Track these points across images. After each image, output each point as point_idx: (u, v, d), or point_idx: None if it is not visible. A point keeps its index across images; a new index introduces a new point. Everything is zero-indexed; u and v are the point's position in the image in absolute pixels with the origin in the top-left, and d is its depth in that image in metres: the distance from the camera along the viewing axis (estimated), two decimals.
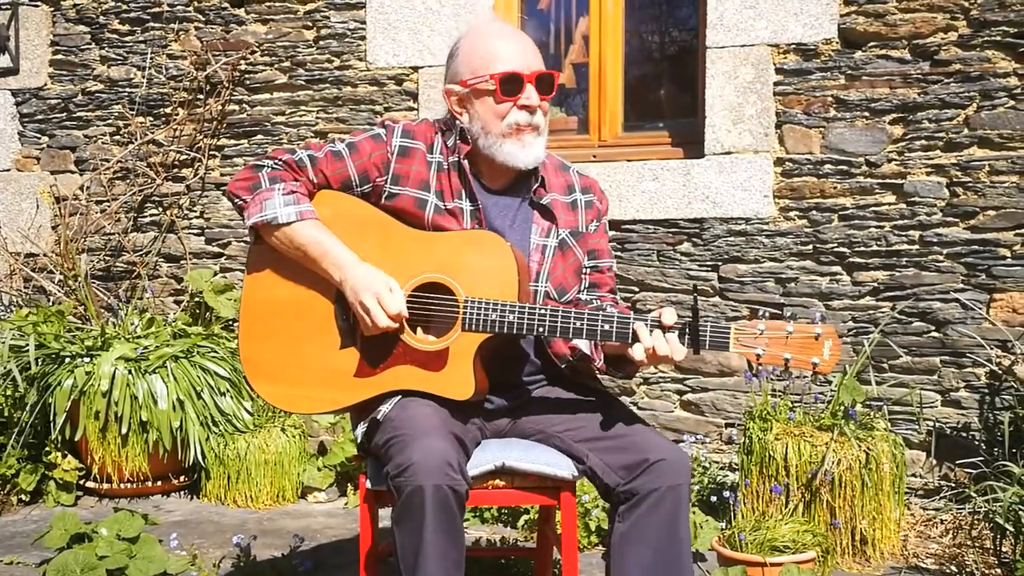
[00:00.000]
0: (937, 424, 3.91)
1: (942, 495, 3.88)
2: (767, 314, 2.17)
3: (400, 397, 2.24)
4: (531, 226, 2.41)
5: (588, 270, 2.49)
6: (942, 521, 3.77)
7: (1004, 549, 3.34)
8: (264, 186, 2.31)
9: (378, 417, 2.22)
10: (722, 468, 4.12)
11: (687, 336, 2.13)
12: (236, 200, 2.36)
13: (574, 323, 2.18)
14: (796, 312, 4.02)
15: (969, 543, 3.56)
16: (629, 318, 2.16)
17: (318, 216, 2.31)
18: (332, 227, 2.31)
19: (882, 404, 3.80)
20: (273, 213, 2.28)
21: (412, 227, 2.34)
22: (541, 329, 2.19)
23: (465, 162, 2.37)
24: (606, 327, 2.17)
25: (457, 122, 2.40)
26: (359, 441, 2.34)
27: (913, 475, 3.92)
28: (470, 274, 2.23)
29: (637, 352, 2.13)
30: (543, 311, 2.19)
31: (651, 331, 2.13)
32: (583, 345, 2.34)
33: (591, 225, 2.50)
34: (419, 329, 2.27)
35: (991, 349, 3.82)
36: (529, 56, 2.36)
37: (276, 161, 2.35)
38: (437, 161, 2.39)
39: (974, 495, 3.58)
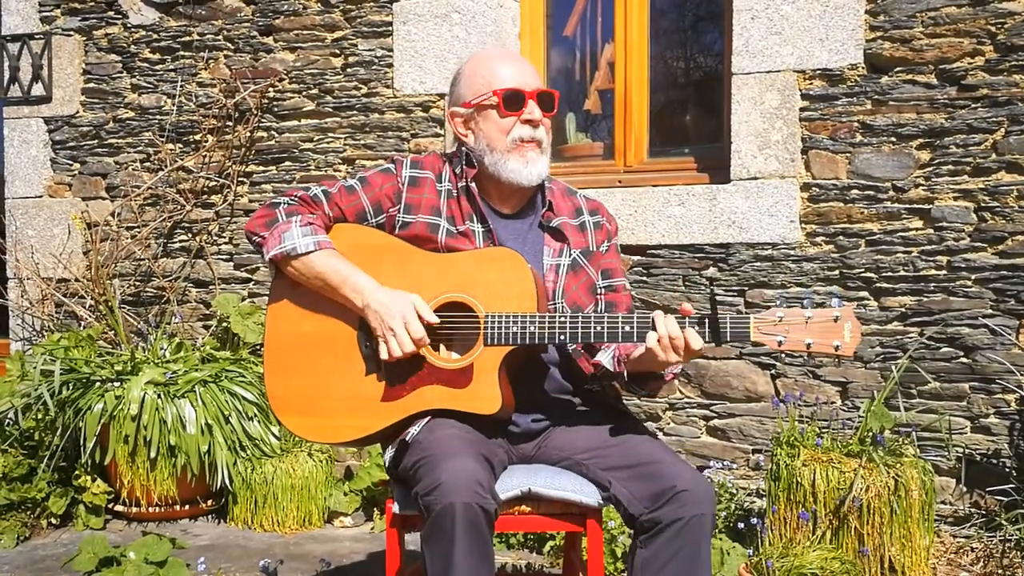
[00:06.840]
0: (967, 451, 3.88)
1: (972, 523, 3.83)
2: (783, 302, 2.15)
3: (428, 419, 2.26)
4: (543, 247, 2.45)
5: (603, 290, 2.52)
6: (972, 549, 3.72)
7: None
8: (281, 220, 2.38)
9: (407, 439, 2.23)
10: (749, 494, 4.09)
11: (707, 329, 2.13)
12: (254, 238, 2.42)
13: (595, 327, 2.19)
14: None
15: (1000, 572, 3.52)
16: (649, 316, 2.16)
17: (335, 247, 2.36)
18: (350, 257, 2.35)
19: (911, 430, 3.76)
20: (292, 244, 2.33)
21: (427, 251, 2.37)
22: (563, 336, 2.20)
23: (473, 185, 2.42)
24: (627, 328, 2.18)
25: (463, 146, 2.47)
26: (387, 465, 2.35)
27: (943, 502, 3.88)
28: (488, 290, 2.25)
29: (650, 339, 2.13)
30: (563, 319, 2.20)
31: (666, 319, 2.14)
32: (606, 361, 2.35)
33: (602, 246, 2.54)
34: (442, 348, 2.29)
35: (1021, 375, 3.79)
36: (528, 76, 2.43)
37: (292, 198, 2.43)
38: (447, 189, 2.45)
39: (1005, 523, 3.54)
